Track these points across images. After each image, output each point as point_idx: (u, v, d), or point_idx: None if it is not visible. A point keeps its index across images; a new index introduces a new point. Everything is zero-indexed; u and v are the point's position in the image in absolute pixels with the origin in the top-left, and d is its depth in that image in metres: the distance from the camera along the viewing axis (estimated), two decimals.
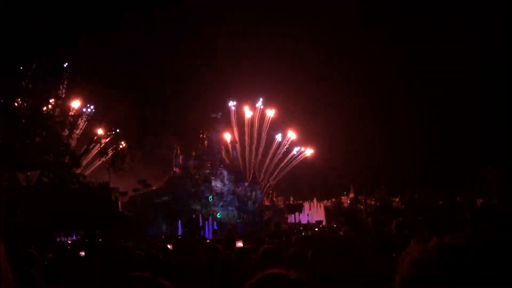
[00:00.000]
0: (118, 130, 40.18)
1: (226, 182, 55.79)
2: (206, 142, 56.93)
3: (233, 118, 66.75)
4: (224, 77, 57.85)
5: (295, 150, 69.64)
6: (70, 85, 38.16)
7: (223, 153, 58.72)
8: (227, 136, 61.74)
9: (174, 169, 56.55)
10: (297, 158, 69.45)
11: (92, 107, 44.44)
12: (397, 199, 65.41)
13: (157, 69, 45.10)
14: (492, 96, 60.40)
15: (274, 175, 68.17)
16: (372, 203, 65.53)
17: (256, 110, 68.84)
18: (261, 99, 69.05)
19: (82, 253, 14.78)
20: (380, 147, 70.46)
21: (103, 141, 40.65)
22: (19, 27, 28.80)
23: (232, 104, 68.16)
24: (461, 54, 60.53)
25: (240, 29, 61.70)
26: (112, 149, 39.73)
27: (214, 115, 56.79)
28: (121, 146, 39.69)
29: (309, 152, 69.82)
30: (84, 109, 44.19)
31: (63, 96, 37.59)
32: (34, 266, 6.83)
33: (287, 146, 69.13)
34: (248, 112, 68.95)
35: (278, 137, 69.44)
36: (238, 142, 64.54)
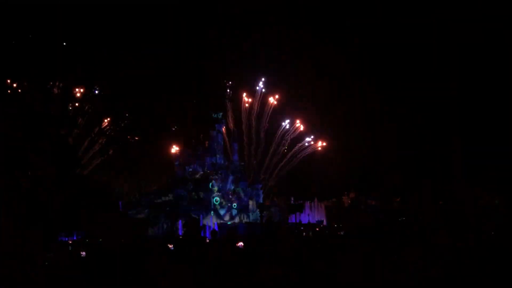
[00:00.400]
0: (131, 118, 39.54)
1: (227, 182, 55.80)
2: (206, 142, 57.00)
3: (230, 114, 63.73)
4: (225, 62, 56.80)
5: (305, 142, 67.95)
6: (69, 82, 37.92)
7: (223, 153, 58.70)
8: (228, 134, 61.43)
9: (175, 169, 56.57)
10: (299, 154, 68.67)
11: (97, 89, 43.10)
12: (398, 199, 65.39)
13: (155, 66, 44.98)
14: (492, 96, 60.46)
15: (275, 174, 67.86)
16: (373, 203, 65.52)
17: (257, 95, 65.02)
18: (262, 79, 65.83)
19: (83, 253, 14.84)
20: (381, 147, 70.43)
21: (101, 140, 40.51)
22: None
23: (229, 85, 62.22)
24: (462, 53, 60.67)
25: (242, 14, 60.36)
26: (112, 146, 39.64)
27: (215, 115, 56.82)
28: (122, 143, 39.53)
29: (313, 145, 68.44)
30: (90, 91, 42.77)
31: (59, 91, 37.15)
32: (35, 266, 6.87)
33: (286, 148, 68.60)
34: (247, 102, 64.76)
35: (285, 123, 66.34)
36: (237, 141, 64.13)
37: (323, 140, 68.26)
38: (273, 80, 66.02)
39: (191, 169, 55.87)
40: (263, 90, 65.93)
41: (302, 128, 67.69)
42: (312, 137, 67.82)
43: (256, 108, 66.07)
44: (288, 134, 67.59)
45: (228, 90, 62.10)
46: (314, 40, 66.48)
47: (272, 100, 66.03)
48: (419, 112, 67.23)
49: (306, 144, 67.65)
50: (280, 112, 67.56)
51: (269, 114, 66.53)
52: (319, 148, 68.37)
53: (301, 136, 68.92)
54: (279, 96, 66.67)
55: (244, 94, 65.39)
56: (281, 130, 67.17)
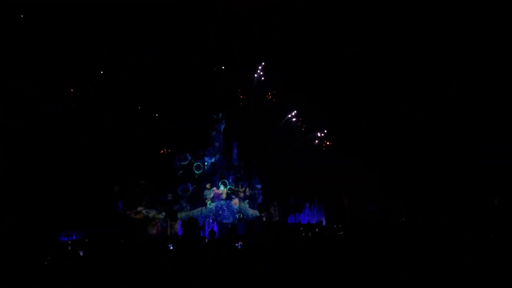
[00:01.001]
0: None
1: (227, 182, 55.79)
2: (206, 142, 57.02)
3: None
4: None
5: (304, 140, 67.96)
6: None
7: (223, 153, 58.70)
8: (228, 134, 61.35)
9: (175, 169, 56.57)
10: (300, 152, 68.52)
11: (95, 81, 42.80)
12: (398, 199, 65.40)
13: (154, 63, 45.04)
14: (492, 96, 60.51)
15: (275, 173, 67.70)
16: (373, 203, 65.56)
17: (255, 83, 64.58)
18: (262, 63, 65.35)
19: (82, 253, 14.83)
20: (381, 147, 70.47)
21: (101, 139, 40.55)
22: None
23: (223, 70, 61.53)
24: (462, 53, 60.68)
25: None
26: (112, 146, 39.73)
27: (215, 116, 56.86)
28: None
29: (313, 144, 68.54)
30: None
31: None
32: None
33: (289, 153, 68.40)
34: (244, 97, 64.82)
35: (285, 119, 66.52)
36: (237, 141, 64.08)
37: (325, 140, 68.41)
38: (271, 78, 66.00)
39: (191, 169, 55.89)
40: (262, 78, 65.50)
41: (303, 129, 67.83)
42: (311, 135, 67.98)
43: (254, 104, 66.01)
44: (286, 131, 67.62)
45: (226, 89, 62.15)
46: (313, 40, 66.56)
47: (270, 95, 66.02)
48: (419, 112, 67.28)
49: (309, 140, 67.76)
50: (279, 111, 67.64)
51: (268, 109, 66.39)
52: (323, 148, 68.47)
53: (301, 135, 69.00)
54: (276, 92, 66.73)
55: (240, 91, 65.33)
56: (280, 128, 67.23)
